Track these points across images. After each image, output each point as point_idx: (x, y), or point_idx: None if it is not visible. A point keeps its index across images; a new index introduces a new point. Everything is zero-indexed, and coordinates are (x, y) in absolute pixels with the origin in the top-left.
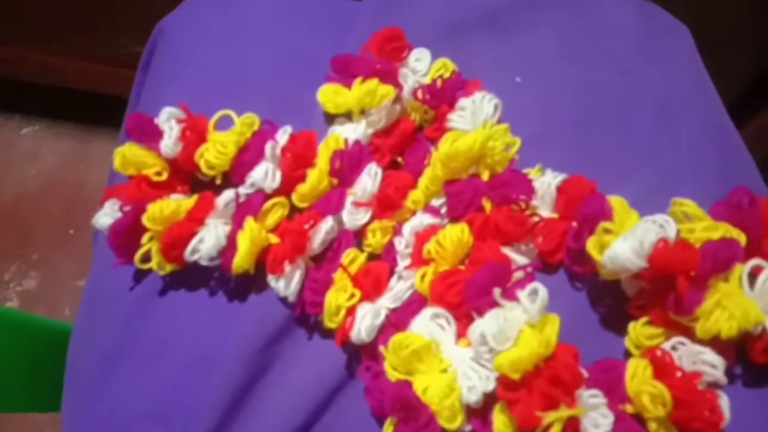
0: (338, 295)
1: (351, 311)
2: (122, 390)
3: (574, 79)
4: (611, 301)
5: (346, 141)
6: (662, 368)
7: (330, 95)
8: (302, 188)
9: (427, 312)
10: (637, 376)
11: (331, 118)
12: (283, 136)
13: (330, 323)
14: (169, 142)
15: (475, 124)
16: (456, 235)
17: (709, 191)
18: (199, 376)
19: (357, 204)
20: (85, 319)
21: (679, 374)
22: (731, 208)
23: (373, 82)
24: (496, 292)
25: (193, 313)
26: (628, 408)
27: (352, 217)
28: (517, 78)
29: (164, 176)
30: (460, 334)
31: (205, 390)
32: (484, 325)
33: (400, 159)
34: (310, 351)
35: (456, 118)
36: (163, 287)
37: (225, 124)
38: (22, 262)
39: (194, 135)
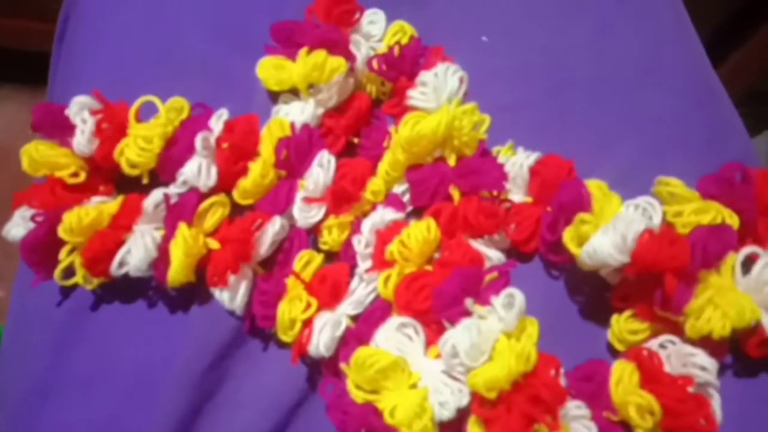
0: (292, 306)
1: (308, 322)
2: (55, 424)
3: (546, 39)
4: (591, 290)
5: (292, 125)
6: (650, 373)
7: (271, 70)
8: (244, 183)
9: (393, 322)
10: (623, 382)
11: (274, 96)
12: (217, 123)
13: (285, 337)
14: (83, 138)
15: (439, 101)
16: (421, 234)
17: (696, 159)
18: (140, 404)
19: (309, 200)
20: (11, 337)
21: (668, 380)
22: (722, 184)
23: (321, 54)
24: (469, 302)
25: (130, 330)
26: (613, 417)
27: (304, 214)
28: (483, 37)
29: (82, 177)
30: (430, 341)
31: (148, 419)
32: (456, 337)
33: (356, 139)
34: (263, 365)
35: (417, 95)
36: (93, 302)
37: (149, 111)
38: None
39: (112, 128)
